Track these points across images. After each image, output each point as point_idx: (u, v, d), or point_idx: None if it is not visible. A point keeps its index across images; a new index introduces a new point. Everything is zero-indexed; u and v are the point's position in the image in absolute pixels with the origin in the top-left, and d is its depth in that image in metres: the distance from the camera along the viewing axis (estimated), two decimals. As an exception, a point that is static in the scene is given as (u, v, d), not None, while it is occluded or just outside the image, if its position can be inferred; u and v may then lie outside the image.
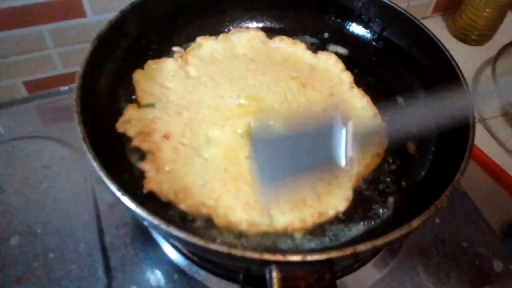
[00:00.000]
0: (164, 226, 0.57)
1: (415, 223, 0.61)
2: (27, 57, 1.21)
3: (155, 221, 0.58)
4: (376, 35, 0.99)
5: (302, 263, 0.56)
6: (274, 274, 0.56)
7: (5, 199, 0.88)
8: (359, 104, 0.86)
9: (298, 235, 0.69)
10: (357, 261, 0.82)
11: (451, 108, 0.69)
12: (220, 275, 0.80)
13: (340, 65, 0.92)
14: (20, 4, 1.08)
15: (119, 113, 0.81)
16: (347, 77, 0.90)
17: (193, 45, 0.89)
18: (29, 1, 1.08)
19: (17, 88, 1.28)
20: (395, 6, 0.93)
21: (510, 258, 0.88)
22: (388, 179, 0.79)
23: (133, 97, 0.83)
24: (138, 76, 0.82)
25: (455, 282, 0.84)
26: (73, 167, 0.93)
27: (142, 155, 0.76)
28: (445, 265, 0.86)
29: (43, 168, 0.93)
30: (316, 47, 0.98)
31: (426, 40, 0.88)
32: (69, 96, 0.76)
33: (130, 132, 0.74)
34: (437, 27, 1.59)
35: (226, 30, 1.00)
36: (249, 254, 0.56)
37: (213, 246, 0.56)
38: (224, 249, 0.56)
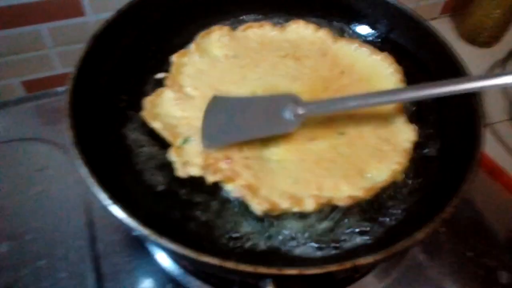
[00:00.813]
0: (153, 236, 0.54)
1: (420, 235, 0.58)
2: (26, 57, 1.19)
3: (145, 231, 0.55)
4: (383, 36, 0.96)
5: (299, 276, 0.54)
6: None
7: (-6, 205, 0.86)
8: (352, 50, 0.91)
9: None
10: (357, 273, 0.79)
11: (459, 113, 0.65)
12: (215, 284, 0.77)
13: (310, 26, 0.94)
14: (18, 2, 1.06)
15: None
16: (324, 34, 0.93)
17: (172, 67, 0.86)
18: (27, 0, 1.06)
19: (15, 88, 1.26)
20: (403, 7, 0.90)
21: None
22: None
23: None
24: (149, 118, 0.78)
25: (459, 293, 0.80)
26: (67, 170, 0.90)
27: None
28: (449, 276, 0.83)
29: (36, 171, 0.91)
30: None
31: (434, 42, 0.84)
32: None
33: (195, 172, 0.71)
34: (446, 29, 1.55)
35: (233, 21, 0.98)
36: (243, 268, 0.53)
37: (204, 259, 0.53)
38: (216, 261, 0.53)
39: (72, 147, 0.63)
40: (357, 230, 0.68)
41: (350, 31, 0.98)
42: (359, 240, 0.67)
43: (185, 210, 0.69)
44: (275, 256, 0.65)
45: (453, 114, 0.80)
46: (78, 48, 0.76)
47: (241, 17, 0.98)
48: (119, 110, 0.80)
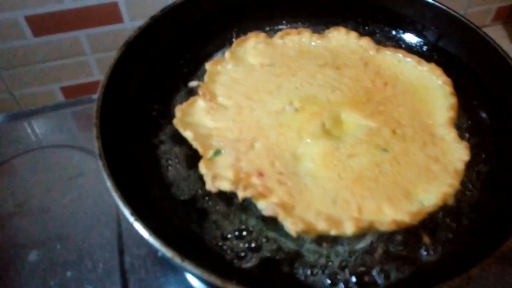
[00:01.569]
0: (178, 259, 0.51)
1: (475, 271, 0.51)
2: (65, 63, 1.20)
3: (168, 253, 0.51)
4: (430, 44, 0.90)
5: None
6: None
7: (27, 211, 0.86)
8: (396, 59, 0.86)
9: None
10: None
11: None
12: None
13: (352, 34, 0.89)
14: (57, 9, 1.07)
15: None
16: (367, 43, 0.88)
17: (206, 75, 0.83)
18: (66, 6, 1.07)
19: (54, 94, 1.28)
20: (453, 13, 0.83)
21: None
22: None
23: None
24: (181, 127, 0.75)
25: None
26: (100, 179, 0.88)
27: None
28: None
29: (68, 179, 0.90)
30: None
31: (489, 52, 0.77)
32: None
33: (225, 186, 0.67)
34: (497, 37, 1.45)
35: (272, 28, 0.95)
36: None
37: (229, 286, 0.49)
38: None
39: (98, 158, 0.61)
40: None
41: (395, 39, 0.92)
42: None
43: (217, 228, 0.66)
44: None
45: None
46: (115, 55, 0.75)
47: (278, 24, 0.95)
48: (150, 119, 0.78)
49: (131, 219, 0.54)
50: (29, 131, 1.04)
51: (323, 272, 0.63)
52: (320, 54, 0.87)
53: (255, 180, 0.67)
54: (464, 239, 0.64)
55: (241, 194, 0.65)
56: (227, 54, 0.85)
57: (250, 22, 0.92)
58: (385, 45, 0.89)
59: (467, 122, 0.78)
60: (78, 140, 0.99)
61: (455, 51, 0.86)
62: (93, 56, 1.21)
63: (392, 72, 0.84)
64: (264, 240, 0.65)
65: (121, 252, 0.79)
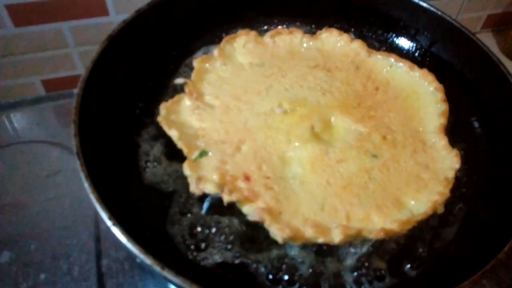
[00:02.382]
0: (157, 267, 0.48)
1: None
2: (46, 55, 1.16)
3: (148, 260, 0.48)
4: (423, 49, 0.88)
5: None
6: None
7: (2, 208, 0.82)
8: (388, 63, 0.84)
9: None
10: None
11: None
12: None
13: (344, 36, 0.87)
14: (40, -1, 1.03)
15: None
16: (359, 46, 0.86)
17: (193, 73, 0.80)
18: (49, -4, 1.03)
19: (34, 87, 1.23)
20: (448, 18, 0.82)
21: None
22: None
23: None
24: (166, 125, 0.71)
25: None
26: (78, 178, 0.85)
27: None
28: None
29: (46, 177, 0.87)
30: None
31: (483, 59, 0.76)
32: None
33: (210, 189, 0.64)
34: (487, 45, 1.46)
35: (261, 28, 0.93)
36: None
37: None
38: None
39: (76, 156, 0.57)
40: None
41: (387, 43, 0.90)
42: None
43: (201, 232, 0.63)
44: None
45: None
46: (99, 49, 0.72)
47: (269, 23, 0.92)
48: (133, 117, 0.75)
49: (109, 223, 0.51)
50: (7, 124, 1.00)
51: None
52: (311, 55, 0.86)
53: (241, 183, 0.65)
54: (454, 251, 0.63)
55: (226, 198, 0.62)
56: (216, 51, 0.82)
57: (240, 20, 0.89)
58: (377, 49, 0.87)
59: (458, 130, 0.77)
60: (57, 136, 0.96)
61: (448, 57, 0.85)
62: (77, 49, 1.17)
63: (383, 77, 0.83)
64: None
65: (98, 255, 0.76)
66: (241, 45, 0.85)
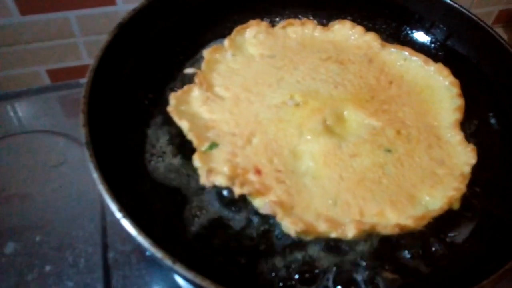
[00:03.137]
0: (168, 261, 0.46)
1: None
2: (52, 44, 1.14)
3: (158, 254, 0.47)
4: (438, 43, 0.87)
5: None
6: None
7: (6, 198, 0.81)
8: (402, 57, 0.82)
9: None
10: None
11: None
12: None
13: (357, 28, 0.86)
14: (47, -13, 1.02)
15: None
16: (372, 38, 0.84)
17: (203, 63, 0.78)
18: (56, -15, 1.01)
19: (40, 77, 1.22)
20: (465, 11, 0.80)
21: None
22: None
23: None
24: (176, 115, 0.70)
25: None
26: (84, 169, 0.84)
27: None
28: None
29: (51, 167, 0.85)
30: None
31: (500, 53, 0.74)
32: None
33: (221, 181, 0.62)
34: (499, 40, 1.45)
35: (273, 19, 0.90)
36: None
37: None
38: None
39: (85, 147, 0.56)
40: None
41: (401, 36, 0.88)
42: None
43: (213, 228, 0.62)
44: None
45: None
46: (106, 39, 0.70)
47: (280, 14, 0.90)
48: (142, 107, 0.74)
49: (119, 215, 0.50)
50: (12, 114, 0.99)
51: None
52: (323, 47, 0.84)
53: (252, 176, 0.64)
54: (469, 248, 0.61)
55: (237, 191, 0.61)
56: (227, 41, 0.81)
57: (251, 10, 0.87)
58: (391, 42, 0.85)
59: (474, 125, 0.75)
60: (63, 126, 0.94)
61: (464, 51, 0.83)
62: (83, 39, 1.15)
63: (397, 71, 0.81)
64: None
65: (104, 247, 0.75)
66: (252, 36, 0.84)
